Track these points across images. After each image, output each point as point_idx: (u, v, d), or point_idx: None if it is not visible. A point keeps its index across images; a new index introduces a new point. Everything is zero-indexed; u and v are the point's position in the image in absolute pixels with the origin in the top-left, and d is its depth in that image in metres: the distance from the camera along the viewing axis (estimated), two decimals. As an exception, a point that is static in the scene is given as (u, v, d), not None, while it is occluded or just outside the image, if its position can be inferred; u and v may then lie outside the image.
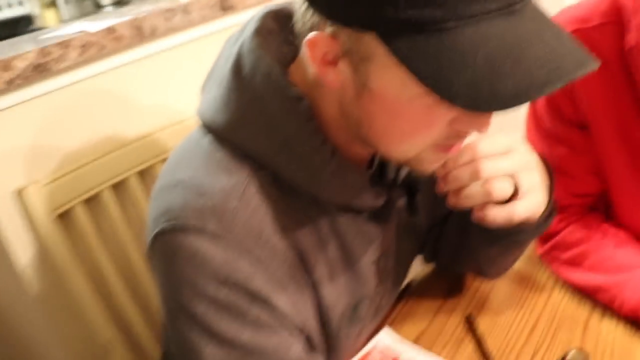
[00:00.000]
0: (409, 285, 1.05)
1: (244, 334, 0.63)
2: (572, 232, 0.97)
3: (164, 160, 1.16)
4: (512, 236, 0.79)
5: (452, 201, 0.69)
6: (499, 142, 0.68)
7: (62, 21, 2.28)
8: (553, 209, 0.78)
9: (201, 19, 1.24)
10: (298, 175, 0.65)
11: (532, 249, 1.05)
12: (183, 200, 0.63)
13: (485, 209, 0.68)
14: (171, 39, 1.21)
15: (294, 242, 0.67)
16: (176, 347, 0.67)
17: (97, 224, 1.10)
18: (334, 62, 0.58)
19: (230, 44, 0.70)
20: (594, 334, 0.89)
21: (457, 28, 0.49)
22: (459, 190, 0.68)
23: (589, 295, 0.94)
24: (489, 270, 0.94)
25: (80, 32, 1.06)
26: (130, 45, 1.13)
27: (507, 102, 0.48)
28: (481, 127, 0.59)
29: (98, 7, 2.64)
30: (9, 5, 2.82)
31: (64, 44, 1.02)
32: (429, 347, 0.90)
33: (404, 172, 0.78)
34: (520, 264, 1.04)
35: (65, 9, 2.62)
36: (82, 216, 1.06)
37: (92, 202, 1.09)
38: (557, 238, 0.98)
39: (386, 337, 0.92)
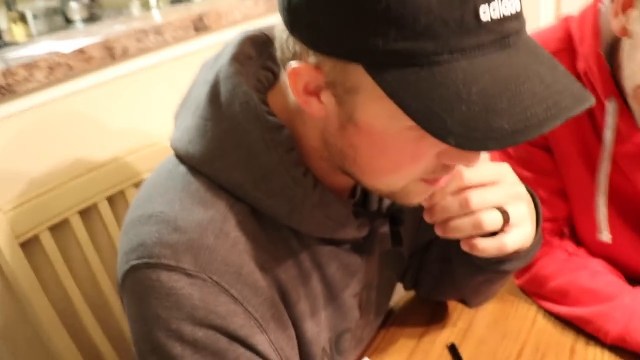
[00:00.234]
0: (390, 313, 1.03)
1: None
2: (545, 266, 0.96)
3: (135, 184, 1.13)
4: (498, 266, 0.77)
5: (439, 232, 0.67)
6: (486, 172, 0.67)
7: (31, 36, 2.22)
8: (539, 240, 0.76)
9: (174, 39, 1.21)
10: (278, 209, 0.62)
11: (513, 275, 1.04)
12: (156, 235, 0.59)
13: (475, 240, 0.66)
14: (143, 59, 1.17)
15: (275, 277, 0.64)
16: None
17: (64, 251, 1.05)
18: (316, 93, 0.55)
19: (205, 70, 0.66)
20: (581, 361, 0.87)
21: (449, 62, 0.46)
22: (446, 221, 0.66)
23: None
24: (472, 299, 0.92)
25: (49, 52, 1.02)
26: (100, 66, 1.09)
27: (503, 141, 0.45)
28: (470, 161, 0.57)
29: (68, 22, 2.59)
30: (-26, 20, 2.74)
31: (31, 65, 0.98)
32: (413, 379, 0.88)
33: (387, 201, 0.76)
34: (503, 289, 1.02)
35: (34, 24, 2.56)
36: (47, 244, 1.01)
37: (58, 228, 1.04)
38: (533, 271, 0.97)
39: (367, 370, 0.89)
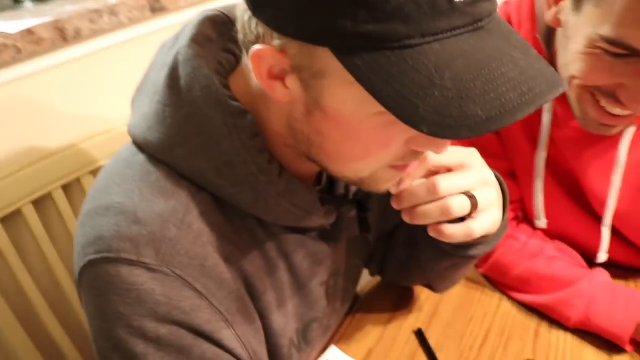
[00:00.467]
0: (355, 299, 1.02)
1: None
2: (504, 255, 0.97)
3: (92, 172, 1.08)
4: (463, 251, 0.77)
5: (406, 218, 0.66)
6: (454, 156, 0.66)
7: (-25, 17, 2.12)
8: (505, 225, 0.76)
9: (129, 20, 1.15)
10: (242, 197, 0.59)
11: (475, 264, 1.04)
12: (115, 228, 0.56)
13: (442, 226, 0.65)
14: (97, 41, 1.12)
15: (240, 269, 0.62)
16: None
17: (16, 243, 1.00)
18: (281, 77, 0.53)
19: (163, 52, 0.63)
20: (545, 343, 0.89)
21: (421, 45, 0.44)
22: (414, 207, 0.65)
23: (537, 309, 0.95)
24: (438, 284, 0.92)
25: (-6, 33, 0.96)
26: (51, 48, 1.04)
27: (477, 129, 0.43)
28: (439, 147, 0.56)
29: (16, 1, 2.48)
30: None
31: (-26, 47, 0.93)
32: (380, 365, 0.87)
33: (354, 187, 0.74)
34: (468, 274, 1.03)
35: (-22, 4, 2.44)
36: (-1, 236, 0.97)
37: (9, 219, 0.99)
38: (492, 260, 0.98)
39: (333, 357, 0.88)
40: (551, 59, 0.84)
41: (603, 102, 0.75)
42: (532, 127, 0.90)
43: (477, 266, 1.02)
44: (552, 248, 0.96)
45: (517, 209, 1.00)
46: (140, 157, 0.60)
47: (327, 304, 0.77)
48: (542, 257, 0.94)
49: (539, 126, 0.89)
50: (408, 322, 0.95)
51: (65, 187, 1.07)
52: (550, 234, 0.99)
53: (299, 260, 0.69)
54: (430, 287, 0.94)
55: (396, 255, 0.92)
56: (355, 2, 0.44)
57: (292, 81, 0.52)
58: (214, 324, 0.59)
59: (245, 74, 0.60)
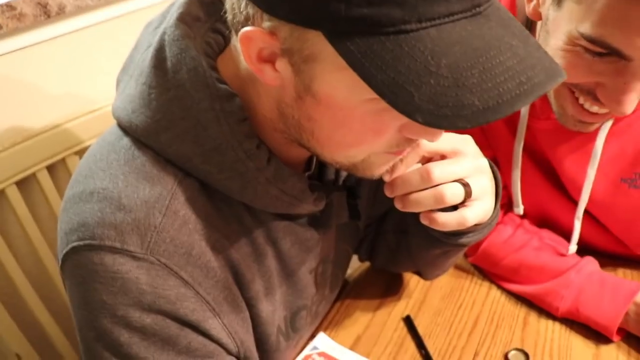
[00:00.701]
0: (344, 285, 1.01)
1: None
2: (492, 245, 0.96)
3: (78, 152, 1.06)
4: (455, 239, 0.76)
5: (399, 206, 0.65)
6: (448, 144, 0.64)
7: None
8: (497, 213, 0.75)
9: (116, -4, 1.12)
10: (230, 183, 0.58)
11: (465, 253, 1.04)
12: (99, 215, 0.54)
13: (435, 214, 0.64)
14: (81, 18, 1.09)
15: (228, 257, 0.61)
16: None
17: (0, 225, 0.98)
18: (271, 60, 0.51)
19: (149, 32, 0.61)
20: (533, 332, 0.88)
21: (417, 31, 0.43)
22: (407, 195, 0.64)
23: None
24: (428, 271, 0.91)
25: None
26: (33, 25, 1.01)
27: (474, 120, 0.42)
28: (433, 136, 0.54)
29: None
30: None
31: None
32: (368, 352, 0.87)
33: (344, 173, 0.73)
34: (457, 262, 1.02)
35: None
36: (-18, 218, 0.95)
37: (-6, 201, 0.97)
38: (481, 250, 0.97)
39: (322, 344, 0.88)
40: None
41: (582, 100, 0.74)
42: (513, 117, 0.90)
43: (466, 255, 1.02)
44: (539, 237, 0.96)
45: (504, 196, 0.99)
46: (126, 142, 0.58)
47: (316, 291, 0.76)
48: (530, 247, 0.94)
49: (519, 116, 0.88)
50: (397, 309, 0.95)
51: (50, 168, 1.05)
52: (534, 220, 0.99)
53: (287, 248, 0.67)
54: (420, 274, 0.94)
55: (386, 242, 0.91)
56: None
57: (282, 65, 0.50)
58: (200, 314, 0.57)
59: (234, 56, 0.58)
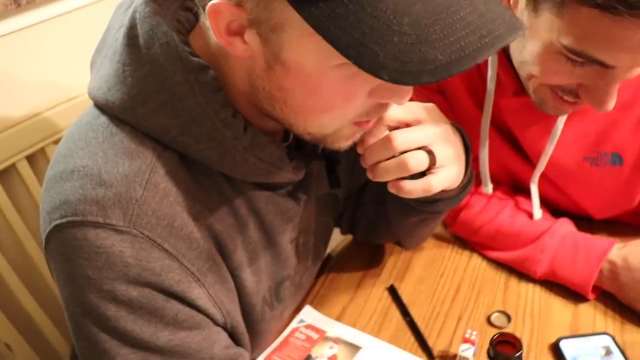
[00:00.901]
0: (327, 259, 1.03)
1: (162, 336, 0.58)
2: (467, 215, 0.98)
3: (56, 141, 1.07)
4: (429, 207, 0.78)
5: (370, 175, 0.67)
6: (411, 113, 0.66)
7: None
8: (470, 179, 0.77)
9: (86, -17, 1.12)
10: (208, 154, 0.59)
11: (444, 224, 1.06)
12: (80, 192, 0.55)
13: (401, 182, 0.66)
14: (52, 7, 1.08)
15: (210, 228, 0.62)
16: (83, 356, 0.60)
17: (-18, 217, 0.98)
18: (240, 32, 0.52)
19: (120, 12, 0.61)
20: (514, 295, 0.91)
21: None
22: (376, 164, 0.66)
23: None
24: (407, 240, 0.93)
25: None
26: (4, 15, 1.00)
27: (437, 73, 0.44)
28: (401, 97, 0.56)
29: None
30: None
31: None
32: (354, 322, 0.89)
33: None
34: (439, 229, 1.05)
35: None
36: (-37, 210, 0.95)
37: (-26, 193, 0.97)
38: (458, 220, 1.00)
39: (308, 317, 0.89)
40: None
41: (562, 96, 0.76)
42: (479, 93, 0.92)
43: (445, 226, 1.04)
44: (516, 202, 0.98)
45: (476, 167, 1.01)
46: (103, 119, 0.59)
47: (298, 261, 0.78)
48: (505, 214, 0.96)
49: (484, 93, 0.90)
50: (381, 280, 0.97)
51: (30, 158, 1.05)
52: (507, 187, 1.01)
53: (269, 218, 0.69)
54: (400, 243, 0.96)
55: (365, 213, 0.93)
56: None
57: (251, 36, 0.51)
58: (186, 285, 0.58)
59: (203, 32, 0.59)
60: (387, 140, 0.64)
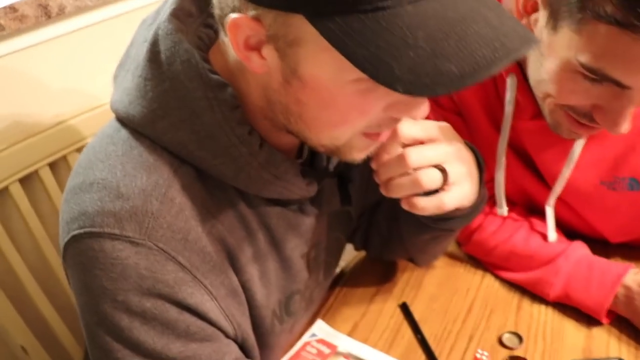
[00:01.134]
0: (341, 274, 1.03)
1: (174, 347, 0.59)
2: (482, 235, 0.98)
3: (78, 149, 1.09)
4: (442, 224, 0.78)
5: (383, 191, 0.68)
6: (426, 131, 0.67)
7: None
8: (482, 198, 0.77)
9: (114, -4, 1.15)
10: (224, 169, 0.60)
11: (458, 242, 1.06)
12: (98, 204, 0.57)
13: (414, 199, 0.67)
14: (81, 18, 1.11)
15: (223, 242, 0.63)
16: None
17: (4, 222, 1.00)
18: (257, 48, 0.53)
19: (144, 28, 0.63)
20: (527, 316, 0.90)
21: (394, 7, 0.45)
22: (389, 180, 0.66)
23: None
24: (420, 258, 0.93)
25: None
26: (35, 25, 1.03)
27: (452, 85, 0.44)
28: (417, 114, 0.56)
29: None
30: None
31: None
32: (365, 338, 0.89)
33: (335, 159, 0.75)
34: (452, 248, 1.05)
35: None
36: (-13, 214, 0.97)
37: (-2, 198, 1.00)
38: (473, 240, 0.99)
39: (320, 331, 0.90)
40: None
41: (578, 118, 0.75)
42: (496, 115, 0.92)
43: (460, 245, 1.04)
44: (531, 224, 0.97)
45: (491, 188, 1.01)
46: (124, 133, 0.61)
47: (308, 276, 0.78)
48: (519, 235, 0.96)
49: (502, 115, 0.89)
50: (393, 296, 0.97)
51: (52, 165, 1.07)
52: (522, 208, 1.01)
53: (280, 233, 0.70)
54: (413, 260, 0.96)
55: (379, 230, 0.93)
56: None
57: (268, 51, 0.52)
58: (198, 297, 0.59)
59: (223, 49, 0.60)
60: (401, 157, 0.65)
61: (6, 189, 0.99)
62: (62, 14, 1.06)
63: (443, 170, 0.66)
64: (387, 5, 0.45)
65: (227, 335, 0.65)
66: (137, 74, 0.60)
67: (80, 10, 1.10)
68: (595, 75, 0.67)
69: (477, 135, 0.95)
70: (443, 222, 0.77)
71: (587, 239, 0.95)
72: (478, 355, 0.79)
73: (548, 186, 0.93)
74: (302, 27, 0.48)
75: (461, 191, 0.69)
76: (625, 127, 0.71)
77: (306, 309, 0.83)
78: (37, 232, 1.04)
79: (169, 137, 0.59)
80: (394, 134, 0.65)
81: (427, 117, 0.96)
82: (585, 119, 0.74)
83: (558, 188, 0.91)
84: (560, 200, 0.93)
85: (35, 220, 1.04)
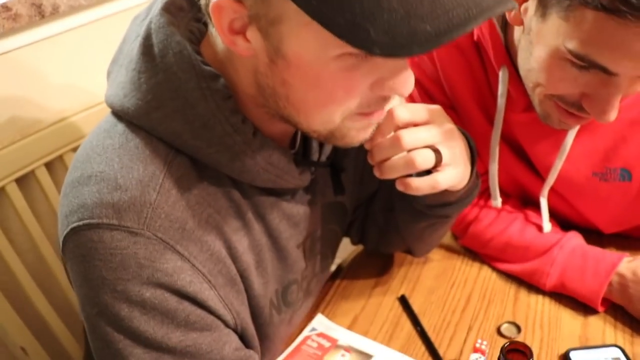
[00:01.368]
0: (339, 268, 1.04)
1: (174, 336, 0.59)
2: (478, 227, 0.99)
3: (74, 149, 1.09)
4: (437, 211, 0.79)
5: (377, 173, 0.68)
6: (419, 112, 0.68)
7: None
8: (476, 183, 0.78)
9: (107, -5, 1.15)
10: (219, 157, 0.61)
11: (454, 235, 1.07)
12: (97, 195, 0.57)
13: (409, 179, 0.68)
14: (75, 18, 1.11)
15: (220, 231, 0.63)
16: (98, 356, 0.61)
17: (1, 222, 1.01)
18: (242, 31, 0.54)
19: (136, 24, 0.64)
20: (524, 306, 0.91)
21: None
22: (383, 161, 0.67)
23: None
24: (417, 247, 0.94)
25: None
26: (28, 25, 1.03)
27: (428, 44, 0.45)
28: (403, 89, 0.57)
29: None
30: None
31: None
32: (365, 331, 0.89)
33: (328, 150, 0.75)
34: (449, 241, 1.05)
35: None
36: (-17, 215, 0.97)
37: (-6, 198, 1.00)
38: (469, 233, 1.00)
39: (320, 325, 0.90)
40: (507, 41, 0.85)
41: (567, 108, 0.76)
42: (488, 108, 0.93)
43: (456, 237, 1.05)
44: (526, 216, 0.98)
45: (486, 181, 1.02)
46: (120, 127, 0.61)
47: (305, 266, 0.79)
48: (515, 227, 0.96)
49: (494, 108, 0.90)
50: (392, 289, 0.97)
51: (48, 165, 1.07)
52: (517, 199, 1.02)
53: (275, 222, 0.70)
54: (410, 251, 0.96)
55: (375, 221, 0.94)
56: None
57: (252, 33, 0.53)
58: (198, 286, 0.60)
59: (212, 41, 0.61)
60: (395, 138, 0.66)
61: (2, 189, 0.99)
62: (55, 13, 1.06)
63: (436, 151, 0.67)
64: None
65: (226, 325, 0.65)
66: (130, 67, 0.60)
67: (74, 9, 1.10)
68: (583, 62, 0.67)
69: (470, 128, 0.96)
70: (439, 208, 0.78)
71: (581, 230, 0.96)
72: (477, 345, 0.80)
73: (541, 178, 0.94)
74: (281, 3, 0.49)
75: (454, 171, 0.70)
76: (612, 114, 0.71)
77: (304, 300, 0.84)
78: (34, 232, 1.04)
79: (164, 127, 0.59)
80: (389, 117, 0.66)
81: None
82: (574, 108, 0.75)
83: (551, 179, 0.91)
84: (553, 191, 0.94)
85: (32, 220, 1.04)
